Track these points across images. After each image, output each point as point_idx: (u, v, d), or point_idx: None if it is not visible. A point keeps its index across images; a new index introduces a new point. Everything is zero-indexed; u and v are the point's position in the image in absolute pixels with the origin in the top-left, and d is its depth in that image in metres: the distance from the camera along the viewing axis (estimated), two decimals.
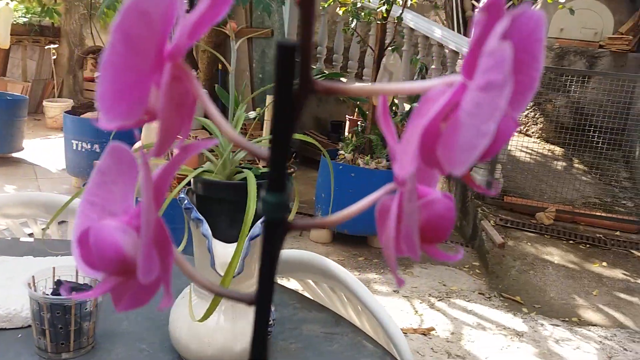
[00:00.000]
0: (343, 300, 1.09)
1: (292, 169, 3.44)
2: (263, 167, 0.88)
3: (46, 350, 0.78)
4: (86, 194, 0.19)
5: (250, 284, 0.83)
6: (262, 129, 3.71)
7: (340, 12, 3.81)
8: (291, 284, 1.45)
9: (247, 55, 4.44)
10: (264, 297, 0.18)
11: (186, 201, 0.78)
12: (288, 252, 1.16)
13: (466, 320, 2.45)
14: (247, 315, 0.82)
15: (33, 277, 0.79)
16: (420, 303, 2.56)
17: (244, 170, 0.82)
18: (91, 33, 3.35)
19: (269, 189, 0.17)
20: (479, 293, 2.73)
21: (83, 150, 3.57)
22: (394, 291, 2.65)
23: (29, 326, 0.79)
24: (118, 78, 0.16)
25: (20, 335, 0.81)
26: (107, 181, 0.19)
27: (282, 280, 1.34)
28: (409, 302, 2.57)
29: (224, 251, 0.77)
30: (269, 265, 0.17)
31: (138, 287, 0.18)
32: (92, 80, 5.81)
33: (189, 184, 0.83)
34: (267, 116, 2.77)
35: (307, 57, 0.17)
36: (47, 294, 0.80)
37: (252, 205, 0.73)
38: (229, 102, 0.83)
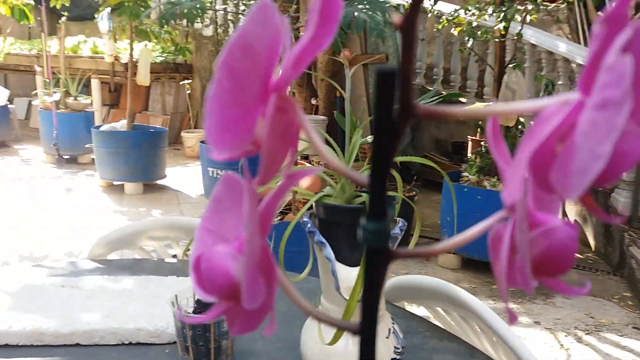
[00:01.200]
0: (476, 331, 1.04)
1: (414, 192, 3.38)
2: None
3: None
4: (203, 221, 0.21)
5: None
6: None
7: (455, 33, 3.73)
8: (420, 310, 1.41)
9: (363, 82, 4.49)
10: (368, 327, 0.18)
11: (309, 225, 0.80)
12: (415, 278, 1.13)
13: (621, 357, 2.21)
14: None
15: (176, 296, 0.84)
16: (566, 336, 2.35)
17: (362, 194, 0.82)
18: None
19: (369, 216, 0.17)
20: (634, 327, 2.44)
21: (218, 176, 3.83)
22: (535, 322, 2.47)
23: (175, 342, 0.84)
24: (224, 112, 0.17)
25: (167, 350, 0.87)
26: (221, 209, 0.20)
27: (410, 307, 1.31)
28: (553, 334, 2.37)
29: (348, 275, 0.77)
30: (373, 294, 0.17)
31: (247, 312, 0.19)
32: None
33: (312, 207, 0.85)
34: None
35: (408, 81, 0.16)
36: (189, 312, 0.85)
37: None
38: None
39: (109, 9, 4.52)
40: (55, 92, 4.91)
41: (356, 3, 2.10)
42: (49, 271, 1.12)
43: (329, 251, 0.77)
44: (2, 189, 4.29)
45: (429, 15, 4.28)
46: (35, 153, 5.51)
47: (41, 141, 5.23)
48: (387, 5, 2.15)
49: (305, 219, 0.83)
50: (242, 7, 3.98)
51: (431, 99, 1.17)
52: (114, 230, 1.34)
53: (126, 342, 0.87)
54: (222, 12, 4.51)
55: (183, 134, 5.92)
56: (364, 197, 0.79)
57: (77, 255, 2.76)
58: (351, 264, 0.79)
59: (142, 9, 3.52)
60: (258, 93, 0.18)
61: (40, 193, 4.21)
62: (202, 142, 4.12)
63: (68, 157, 5.10)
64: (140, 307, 0.93)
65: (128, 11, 3.58)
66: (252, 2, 3.70)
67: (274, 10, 0.17)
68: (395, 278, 1.15)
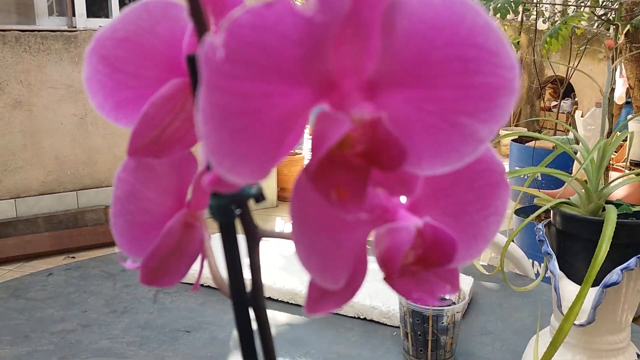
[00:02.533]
0: None
1: None
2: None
3: (408, 352, 0.86)
4: None
5: (612, 340, 0.70)
6: None
7: None
8: None
9: None
10: (239, 304, 0.19)
11: (541, 232, 0.74)
12: None
13: None
14: None
15: None
16: None
17: (610, 205, 0.71)
18: (549, 64, 3.40)
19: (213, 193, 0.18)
20: None
21: (525, 177, 3.66)
22: None
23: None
24: (108, 89, 0.22)
25: (395, 333, 0.92)
26: None
27: None
28: None
29: (574, 294, 0.68)
30: (236, 271, 0.18)
31: None
32: (548, 109, 5.85)
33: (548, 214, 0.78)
34: None
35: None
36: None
37: (604, 246, 0.62)
38: None
39: None
40: None
41: None
42: None
43: (553, 265, 0.70)
44: None
45: None
46: None
47: None
48: None
49: (539, 226, 0.76)
50: None
51: None
52: None
53: (361, 317, 0.96)
54: (550, 4, 4.23)
55: (501, 131, 5.82)
56: (607, 209, 0.68)
57: None
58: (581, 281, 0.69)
59: None
60: (156, 79, 0.21)
61: None
62: (513, 140, 3.97)
63: None
64: (380, 287, 1.00)
65: None
66: None
67: (167, 6, 0.21)
68: None
